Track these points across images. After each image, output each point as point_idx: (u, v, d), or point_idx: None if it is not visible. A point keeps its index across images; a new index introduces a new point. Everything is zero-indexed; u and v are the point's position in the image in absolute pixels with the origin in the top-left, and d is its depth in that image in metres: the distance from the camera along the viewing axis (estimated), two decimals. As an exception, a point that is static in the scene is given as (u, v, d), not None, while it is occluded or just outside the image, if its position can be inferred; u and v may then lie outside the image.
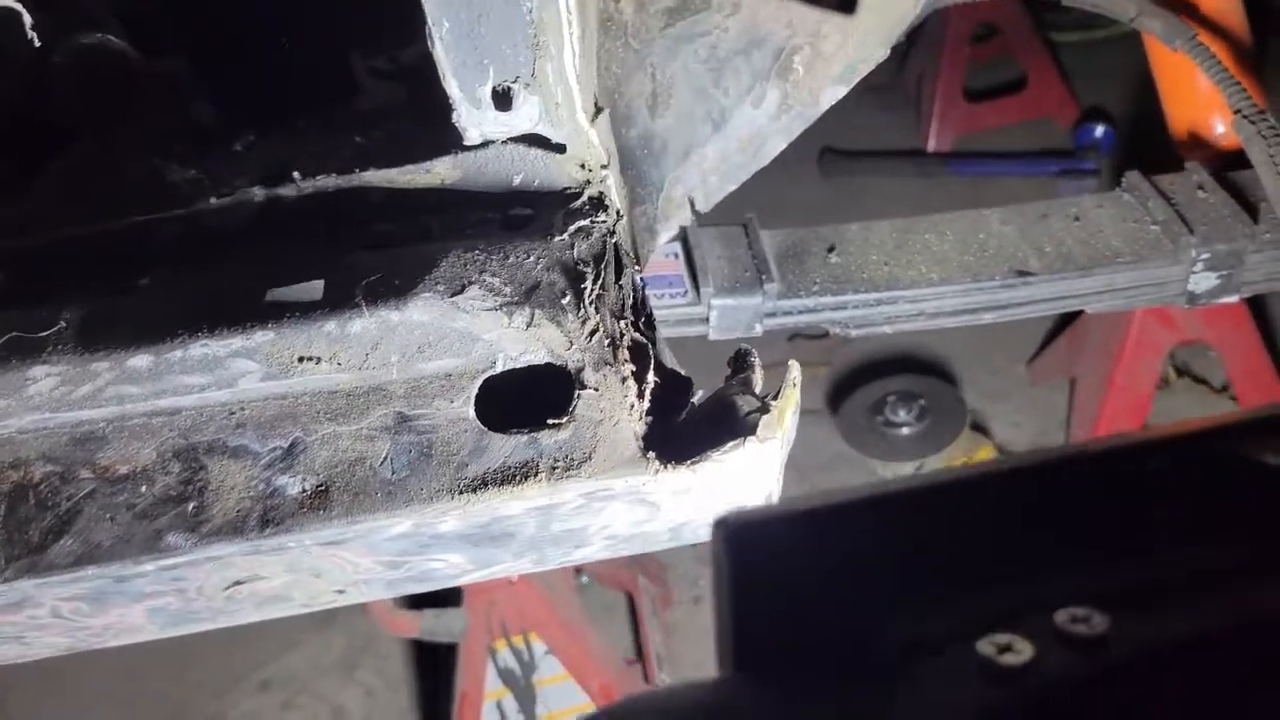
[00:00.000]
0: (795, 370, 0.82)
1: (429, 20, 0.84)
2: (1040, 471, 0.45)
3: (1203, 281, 1.55)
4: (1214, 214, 1.56)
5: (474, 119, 0.90)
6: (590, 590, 2.98)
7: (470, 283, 0.85)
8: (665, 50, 1.14)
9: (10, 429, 0.85)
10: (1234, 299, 1.59)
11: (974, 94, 4.82)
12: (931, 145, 4.76)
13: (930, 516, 0.43)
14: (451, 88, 0.88)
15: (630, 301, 0.90)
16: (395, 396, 0.85)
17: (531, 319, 0.84)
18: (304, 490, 0.82)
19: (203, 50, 1.37)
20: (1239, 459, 0.46)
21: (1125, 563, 0.43)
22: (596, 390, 0.83)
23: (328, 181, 0.97)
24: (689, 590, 3.05)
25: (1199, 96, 1.90)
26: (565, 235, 0.90)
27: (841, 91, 1.26)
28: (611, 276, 0.89)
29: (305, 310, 0.85)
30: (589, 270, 0.88)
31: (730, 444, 0.79)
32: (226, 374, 0.84)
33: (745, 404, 0.84)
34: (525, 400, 0.86)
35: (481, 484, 0.80)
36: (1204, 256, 1.52)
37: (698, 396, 0.88)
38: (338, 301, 0.85)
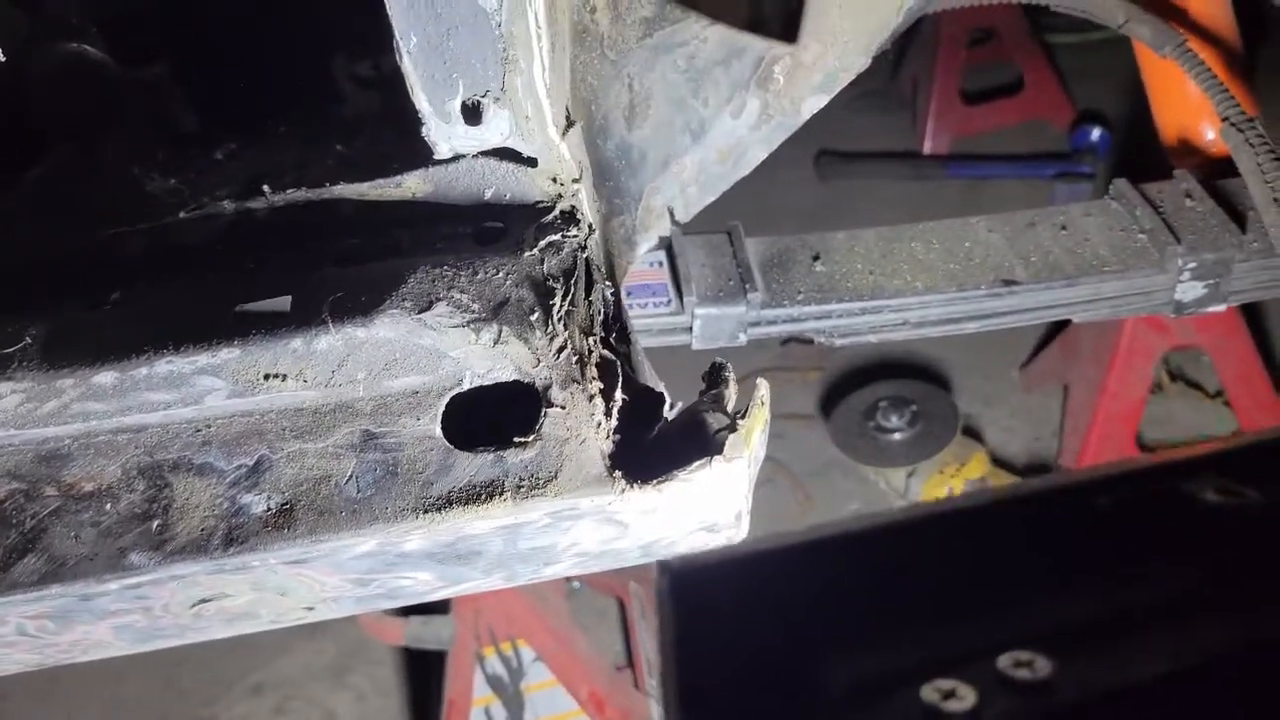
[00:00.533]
0: (764, 388, 0.82)
1: (396, 34, 0.84)
2: (980, 512, 0.44)
3: (1190, 291, 1.54)
4: (1201, 223, 1.55)
5: (443, 133, 0.90)
6: (581, 595, 2.97)
7: (438, 299, 0.84)
8: (643, 61, 1.13)
9: (-26, 446, 0.85)
10: (1221, 308, 1.58)
11: (970, 97, 4.82)
12: (928, 148, 4.75)
13: (872, 558, 0.43)
14: (420, 101, 0.88)
15: (601, 317, 0.89)
16: (361, 414, 0.84)
17: (499, 336, 0.83)
18: (269, 509, 0.81)
19: (185, 57, 1.37)
20: (1177, 496, 0.45)
21: (1067, 602, 0.43)
22: (563, 408, 0.82)
23: (298, 195, 0.97)
24: (681, 595, 3.04)
25: (1188, 103, 1.89)
26: (536, 250, 0.89)
27: (823, 100, 1.25)
28: (581, 292, 0.88)
29: (271, 326, 0.84)
30: (558, 286, 0.87)
31: (696, 463, 0.78)
32: (192, 391, 0.84)
33: (715, 421, 0.83)
34: (495, 418, 0.85)
35: (446, 503, 0.80)
36: (1190, 266, 1.51)
37: (674, 411, 0.87)
38: (304, 318, 0.84)
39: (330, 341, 0.83)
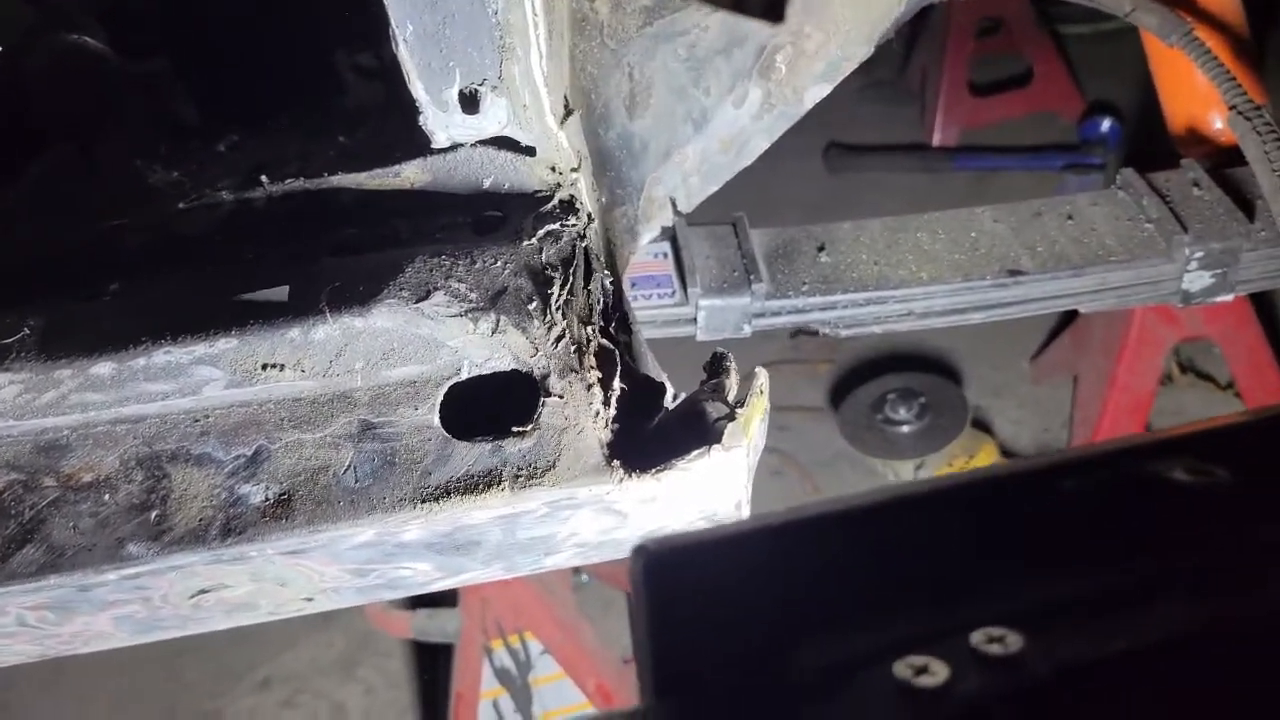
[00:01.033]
0: (763, 378, 0.81)
1: (393, 23, 0.83)
2: (955, 494, 0.44)
3: (1197, 280, 1.53)
4: (1209, 212, 1.54)
5: (441, 122, 0.89)
6: (588, 588, 2.97)
7: (435, 288, 0.84)
8: (643, 50, 1.13)
9: (-26, 437, 0.85)
10: (1229, 298, 1.57)
11: (979, 88, 4.80)
12: (936, 140, 4.73)
13: (846, 540, 0.42)
14: (418, 91, 0.87)
15: (600, 306, 0.89)
16: (359, 404, 0.84)
17: (497, 325, 0.83)
18: (267, 499, 0.81)
19: (186, 49, 1.37)
20: (1149, 477, 0.45)
21: (1038, 582, 0.42)
22: (561, 397, 0.82)
23: (296, 185, 0.97)
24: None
25: (1196, 92, 1.88)
26: (534, 239, 0.89)
27: (825, 90, 1.24)
28: (580, 281, 0.88)
29: (269, 316, 0.84)
30: (557, 275, 0.87)
31: (695, 452, 0.78)
32: (190, 381, 0.84)
33: (714, 410, 0.82)
34: (493, 407, 0.85)
35: (444, 492, 0.80)
36: (1198, 255, 1.50)
37: (675, 400, 0.87)
38: (302, 308, 0.84)
39: (328, 331, 0.83)
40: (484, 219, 0.93)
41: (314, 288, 0.85)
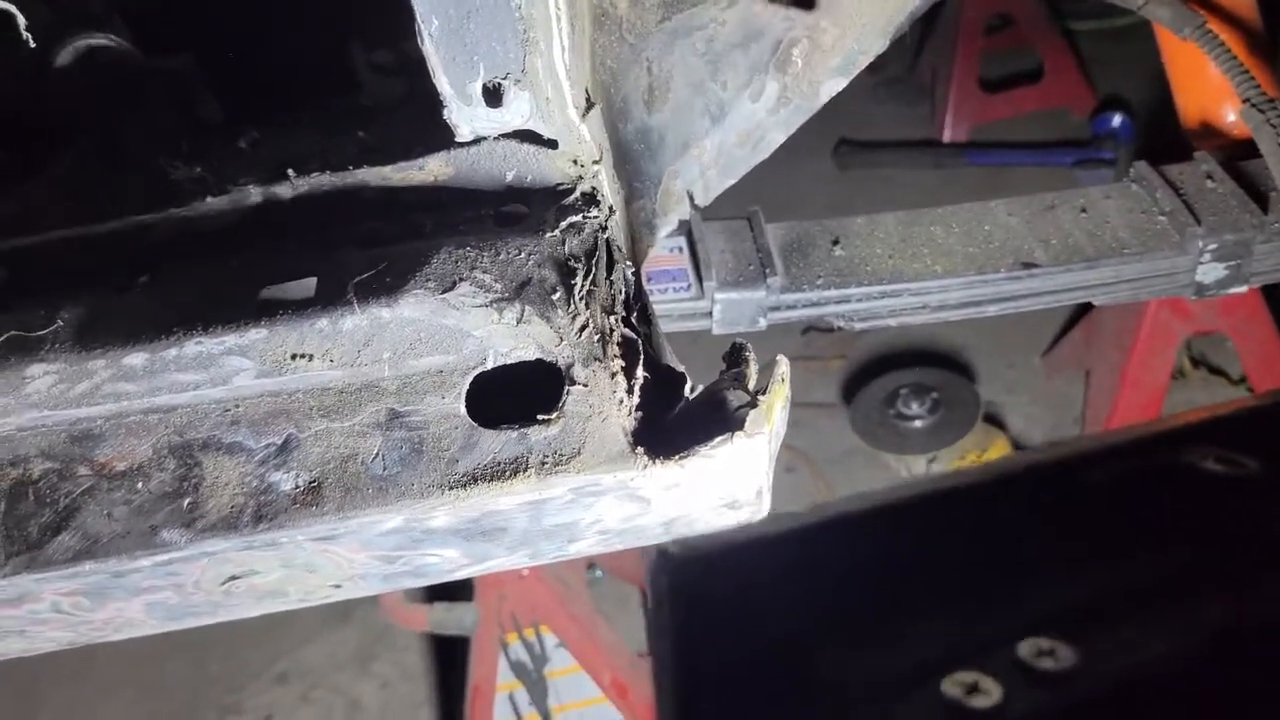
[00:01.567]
0: (784, 365, 0.82)
1: (418, 18, 0.85)
2: (980, 490, 0.45)
3: (1210, 272, 1.54)
4: (1222, 204, 1.55)
5: (465, 116, 0.91)
6: (603, 583, 2.98)
7: (461, 279, 0.85)
8: (661, 44, 1.14)
9: (9, 427, 0.86)
10: (1243, 289, 1.57)
11: (990, 84, 4.80)
12: (947, 136, 4.74)
13: (874, 540, 0.43)
14: (442, 84, 0.89)
15: (622, 297, 0.90)
16: (387, 393, 0.85)
17: (521, 315, 0.84)
18: (297, 486, 0.83)
19: (208, 46, 1.38)
20: (1180, 467, 0.46)
21: (1077, 580, 0.43)
22: (585, 386, 0.83)
23: (322, 180, 0.98)
24: (702, 583, 3.05)
25: (1209, 85, 1.88)
26: (557, 231, 0.90)
27: (841, 84, 1.25)
28: (603, 272, 0.89)
29: (298, 308, 0.85)
30: (580, 266, 0.88)
31: (718, 439, 0.79)
32: (221, 371, 0.85)
33: (736, 399, 0.84)
34: (518, 396, 0.86)
35: (472, 479, 0.81)
36: (1211, 247, 1.51)
37: (695, 391, 0.88)
38: (330, 299, 0.86)
39: (356, 322, 0.84)
40: (507, 211, 0.95)
41: (341, 279, 0.86)
